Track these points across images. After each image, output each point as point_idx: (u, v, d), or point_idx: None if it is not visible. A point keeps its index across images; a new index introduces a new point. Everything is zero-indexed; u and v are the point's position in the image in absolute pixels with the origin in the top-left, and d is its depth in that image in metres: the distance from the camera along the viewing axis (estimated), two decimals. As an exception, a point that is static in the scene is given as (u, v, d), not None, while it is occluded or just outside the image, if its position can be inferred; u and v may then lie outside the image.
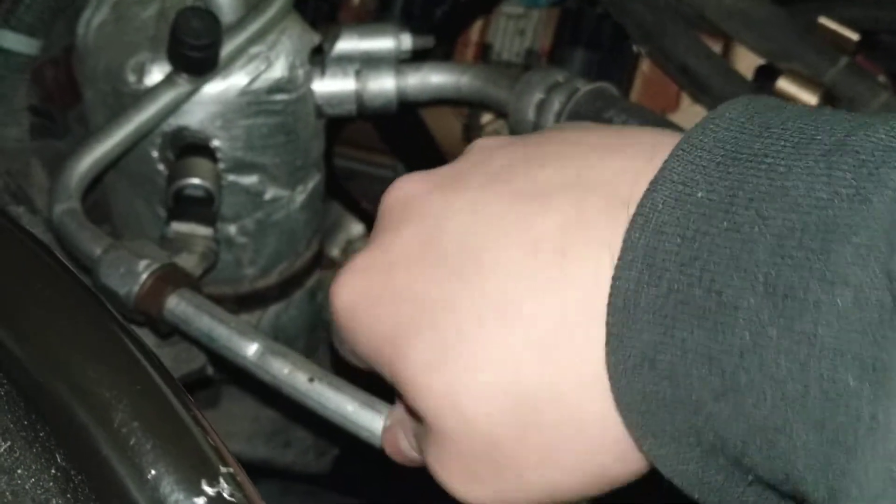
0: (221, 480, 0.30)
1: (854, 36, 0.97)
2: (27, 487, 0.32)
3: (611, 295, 0.36)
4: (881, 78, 0.99)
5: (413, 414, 0.47)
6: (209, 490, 0.30)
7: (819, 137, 0.33)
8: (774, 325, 0.31)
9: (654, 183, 0.36)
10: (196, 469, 0.30)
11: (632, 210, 0.36)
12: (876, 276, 0.29)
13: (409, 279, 0.42)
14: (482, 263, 0.39)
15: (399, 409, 0.52)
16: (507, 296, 0.39)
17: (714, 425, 0.34)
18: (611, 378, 0.37)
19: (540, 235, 0.38)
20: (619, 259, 0.35)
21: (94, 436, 0.31)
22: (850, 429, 0.29)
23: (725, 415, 0.33)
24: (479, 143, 0.47)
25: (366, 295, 0.43)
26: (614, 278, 0.36)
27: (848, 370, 0.29)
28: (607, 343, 0.36)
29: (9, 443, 0.32)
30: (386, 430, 0.56)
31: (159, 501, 0.30)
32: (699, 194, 0.34)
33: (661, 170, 0.36)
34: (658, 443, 0.37)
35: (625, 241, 0.35)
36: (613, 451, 0.39)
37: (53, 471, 0.32)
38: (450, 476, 0.44)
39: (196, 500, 0.29)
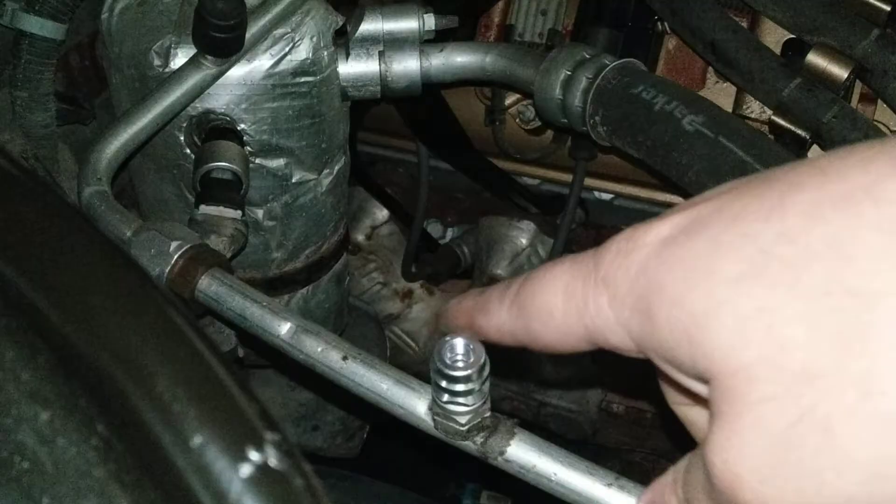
0: (267, 448, 0.30)
1: (886, 6, 0.95)
2: (67, 457, 0.32)
3: None
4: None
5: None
6: (255, 457, 0.29)
7: None
8: None
9: None
10: (242, 436, 0.30)
11: None
12: None
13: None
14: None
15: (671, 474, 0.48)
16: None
17: None
18: None
19: None
20: None
21: (135, 403, 0.30)
22: None
23: None
24: None
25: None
26: None
27: None
28: None
29: (49, 412, 0.32)
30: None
31: (204, 469, 0.29)
32: None
33: None
34: None
35: None
36: None
37: (94, 440, 0.32)
38: (741, 465, 0.38)
39: (242, 467, 0.29)
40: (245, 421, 0.31)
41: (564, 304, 0.45)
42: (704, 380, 0.39)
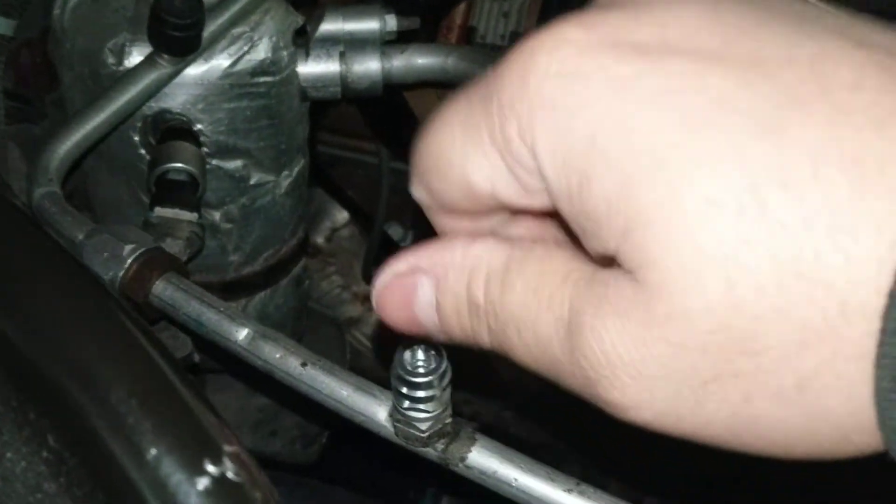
0: (225, 460, 0.29)
1: None
2: (17, 472, 0.30)
3: None
4: None
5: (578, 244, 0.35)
6: (212, 470, 0.28)
7: None
8: None
9: None
10: (198, 448, 0.29)
11: None
12: None
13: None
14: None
15: (458, 248, 0.39)
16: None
17: None
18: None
19: None
20: None
21: (88, 415, 0.29)
22: None
23: None
24: None
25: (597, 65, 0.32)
26: None
27: None
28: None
29: (-3, 425, 0.31)
30: (395, 276, 0.43)
31: (160, 482, 0.28)
32: None
33: None
34: None
35: None
36: (850, 402, 0.30)
37: (45, 454, 0.30)
38: (617, 364, 0.32)
39: (199, 480, 0.28)
40: (202, 433, 0.30)
41: (463, 144, 0.36)
42: (610, 252, 0.33)
